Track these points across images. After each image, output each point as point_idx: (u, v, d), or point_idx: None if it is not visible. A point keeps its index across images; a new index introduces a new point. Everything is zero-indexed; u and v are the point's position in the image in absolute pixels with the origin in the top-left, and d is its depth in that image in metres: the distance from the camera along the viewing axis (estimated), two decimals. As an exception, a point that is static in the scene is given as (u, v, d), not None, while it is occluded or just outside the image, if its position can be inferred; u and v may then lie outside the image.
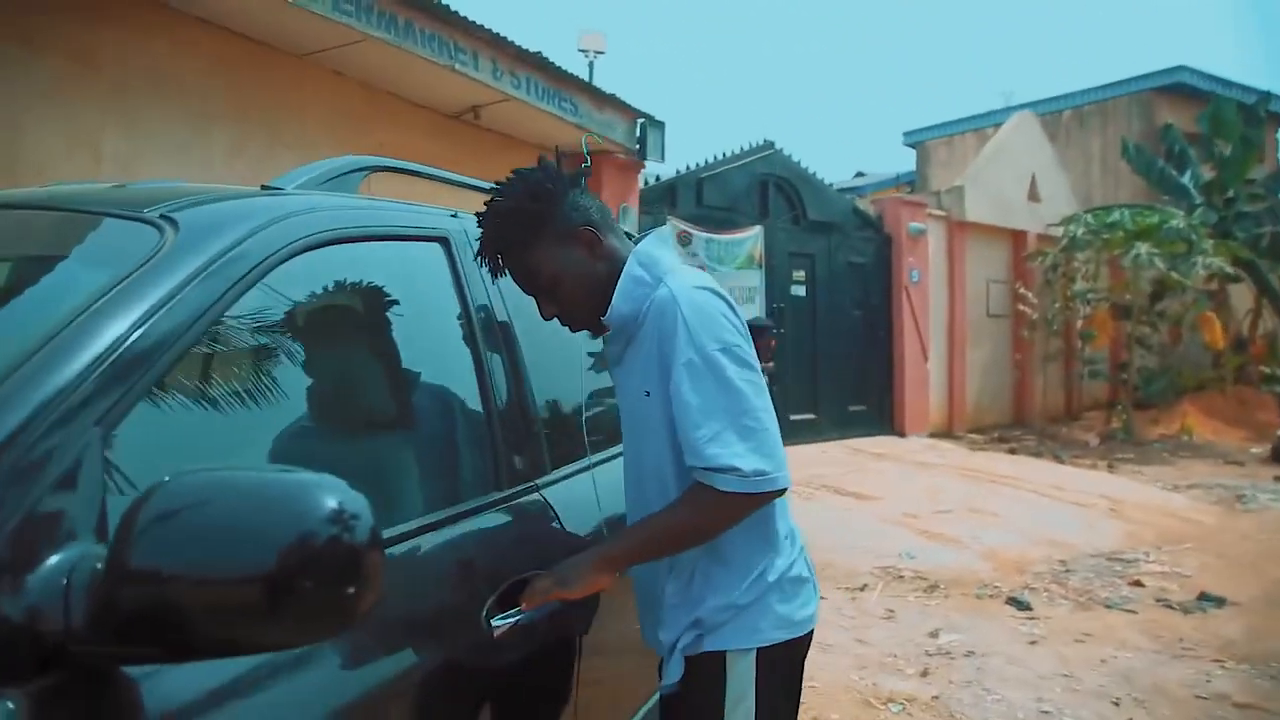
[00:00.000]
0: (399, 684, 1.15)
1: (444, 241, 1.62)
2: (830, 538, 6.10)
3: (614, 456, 1.82)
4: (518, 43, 5.78)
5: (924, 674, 3.80)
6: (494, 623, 1.30)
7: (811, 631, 1.54)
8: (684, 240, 8.70)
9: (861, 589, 5.10)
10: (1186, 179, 13.83)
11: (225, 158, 4.73)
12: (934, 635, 4.30)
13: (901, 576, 5.32)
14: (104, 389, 0.92)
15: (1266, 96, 14.33)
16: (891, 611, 4.69)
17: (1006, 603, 4.83)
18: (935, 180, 16.66)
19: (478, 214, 1.47)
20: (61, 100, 4.13)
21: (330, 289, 1.35)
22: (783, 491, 1.38)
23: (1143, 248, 11.31)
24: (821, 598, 5.07)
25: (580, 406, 1.73)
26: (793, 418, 9.82)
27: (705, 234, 8.88)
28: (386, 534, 1.24)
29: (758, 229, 9.47)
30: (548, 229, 1.43)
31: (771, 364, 8.38)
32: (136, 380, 0.95)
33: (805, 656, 1.56)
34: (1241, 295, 13.60)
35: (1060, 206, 13.08)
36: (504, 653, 1.34)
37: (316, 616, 0.78)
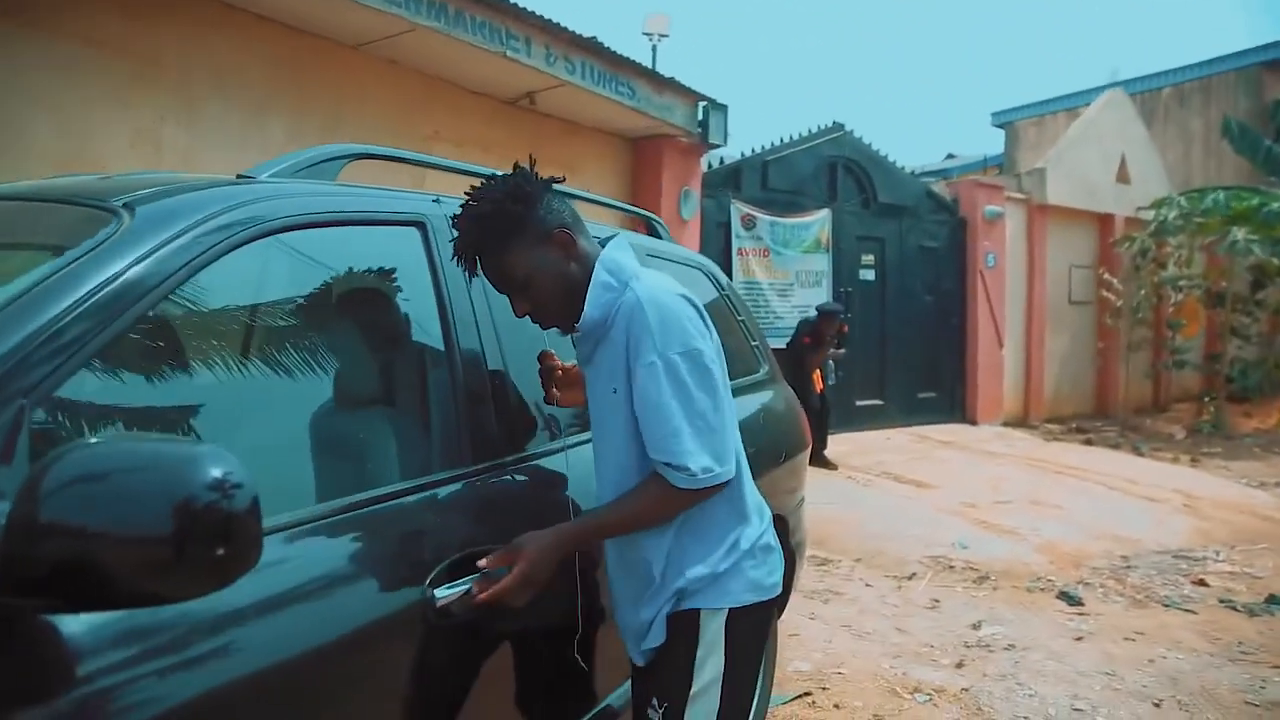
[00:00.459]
0: (328, 651, 1.21)
1: (421, 226, 1.67)
2: (883, 525, 6.03)
3: (589, 439, 1.86)
4: (573, 28, 5.83)
5: (959, 665, 3.74)
6: (437, 594, 1.36)
7: (777, 597, 1.66)
8: (748, 224, 8.64)
9: (910, 578, 5.03)
10: (1295, 159, 13.01)
11: (283, 148, 4.91)
12: (976, 627, 4.22)
13: (952, 567, 5.22)
14: (35, 364, 1.00)
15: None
16: (936, 601, 4.62)
17: (1057, 597, 4.70)
18: (1023, 162, 16.06)
19: (453, 217, 1.54)
20: (124, 97, 4.35)
21: (290, 272, 1.42)
22: (724, 485, 1.52)
23: (1240, 232, 10.70)
24: (867, 585, 5.03)
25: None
26: (858, 403, 9.70)
27: (770, 217, 8.80)
28: (335, 505, 1.33)
29: (825, 212, 9.33)
30: (525, 231, 1.50)
31: (843, 350, 8.28)
32: (68, 357, 1.03)
33: (770, 619, 1.71)
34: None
35: (1152, 189, 12.48)
36: (449, 627, 1.40)
37: (192, 575, 0.87)
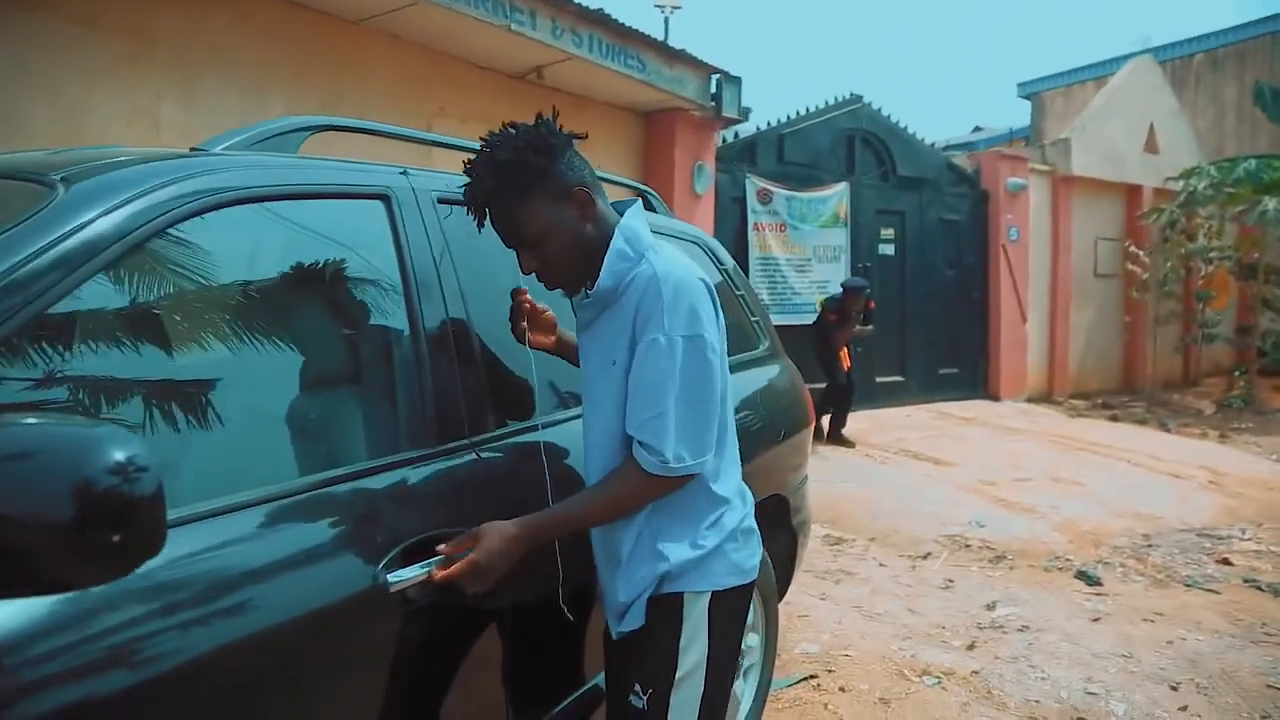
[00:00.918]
0: (276, 635, 1.17)
1: (385, 199, 1.61)
2: (898, 503, 5.95)
3: (568, 419, 1.80)
4: (580, 0, 5.71)
5: (970, 647, 3.67)
6: (390, 579, 1.31)
7: (756, 580, 1.64)
8: (764, 199, 8.51)
9: (924, 557, 4.95)
10: (1331, 127, 12.58)
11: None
12: (990, 608, 4.14)
13: (968, 546, 5.14)
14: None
15: None
16: (951, 581, 4.54)
17: (1075, 577, 4.60)
18: (1050, 133, 15.73)
19: (467, 162, 1.48)
20: (121, 76, 4.31)
21: (242, 247, 1.37)
22: (694, 475, 1.49)
23: (1271, 202, 10.40)
24: (880, 565, 4.96)
25: (530, 368, 1.70)
26: (878, 379, 9.58)
27: (787, 192, 8.66)
28: (287, 486, 1.28)
29: (843, 186, 9.17)
30: (544, 184, 1.44)
31: (870, 327, 8.14)
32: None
33: (749, 602, 1.66)
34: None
35: (1181, 158, 12.16)
36: (408, 612, 1.35)
37: (93, 561, 0.83)
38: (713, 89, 7.32)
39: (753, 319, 2.97)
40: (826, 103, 9.15)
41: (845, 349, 7.66)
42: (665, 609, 1.53)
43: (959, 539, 5.24)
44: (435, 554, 1.36)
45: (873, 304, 8.02)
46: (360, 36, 5.31)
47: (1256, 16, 15.11)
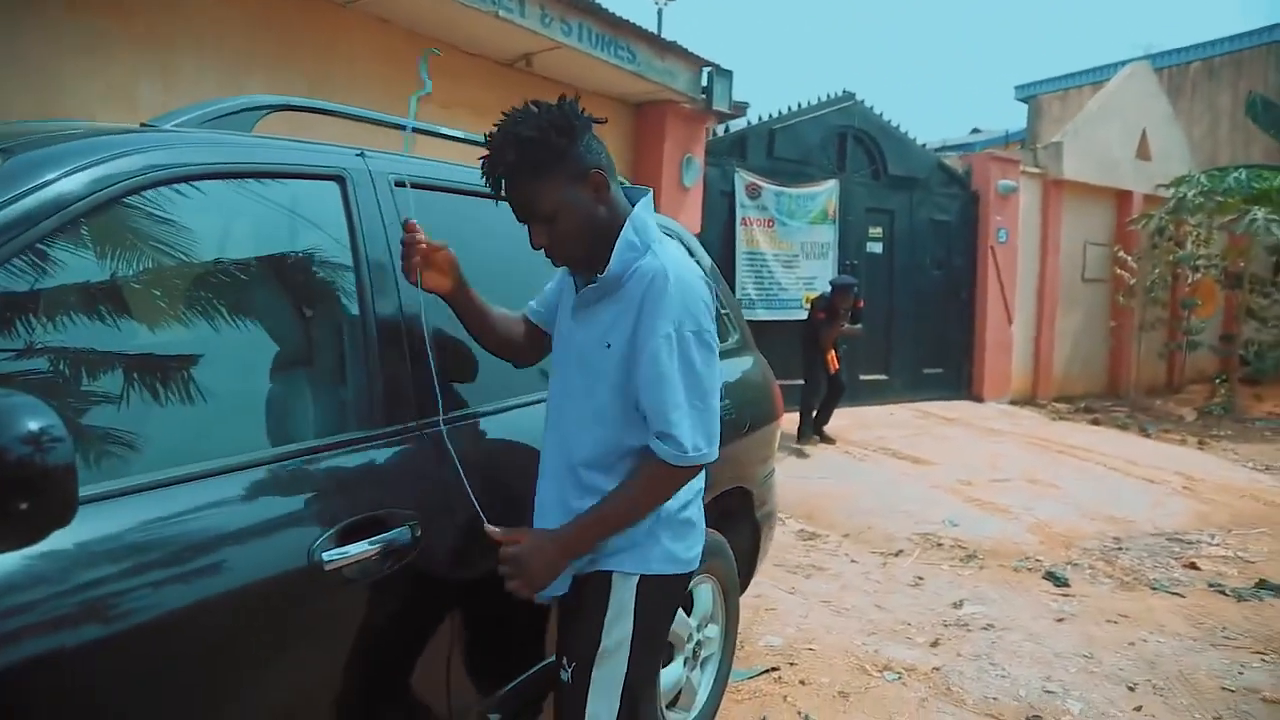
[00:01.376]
0: (214, 607, 1.18)
1: (340, 180, 1.62)
2: (875, 501, 5.98)
3: (526, 404, 1.82)
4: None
5: (933, 644, 3.70)
6: (325, 557, 1.32)
7: (693, 571, 1.68)
8: (753, 193, 8.52)
9: (896, 555, 4.98)
10: (1325, 138, 12.63)
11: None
12: (957, 606, 4.17)
13: (940, 544, 5.17)
14: None
15: None
16: (920, 579, 4.57)
17: (1043, 578, 4.63)
18: (1046, 136, 15.75)
19: (488, 135, 1.51)
20: (98, 54, 4.28)
21: (186, 223, 1.37)
22: (706, 465, 1.57)
23: (1260, 212, 10.45)
24: (852, 561, 4.98)
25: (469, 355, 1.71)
26: (863, 377, 9.59)
27: (776, 187, 8.67)
28: (227, 463, 1.29)
29: (833, 183, 9.17)
30: (564, 164, 1.49)
31: (859, 325, 8.14)
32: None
33: (683, 592, 1.72)
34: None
35: (1174, 166, 12.19)
36: (344, 591, 1.36)
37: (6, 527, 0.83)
38: (704, 82, 7.30)
39: (723, 310, 2.98)
40: (819, 99, 9.15)
41: (833, 349, 7.66)
42: (594, 586, 1.58)
43: (932, 537, 5.27)
44: (371, 535, 1.38)
45: (861, 303, 8.03)
46: (348, 19, 5.28)
47: (1261, 25, 15.12)
